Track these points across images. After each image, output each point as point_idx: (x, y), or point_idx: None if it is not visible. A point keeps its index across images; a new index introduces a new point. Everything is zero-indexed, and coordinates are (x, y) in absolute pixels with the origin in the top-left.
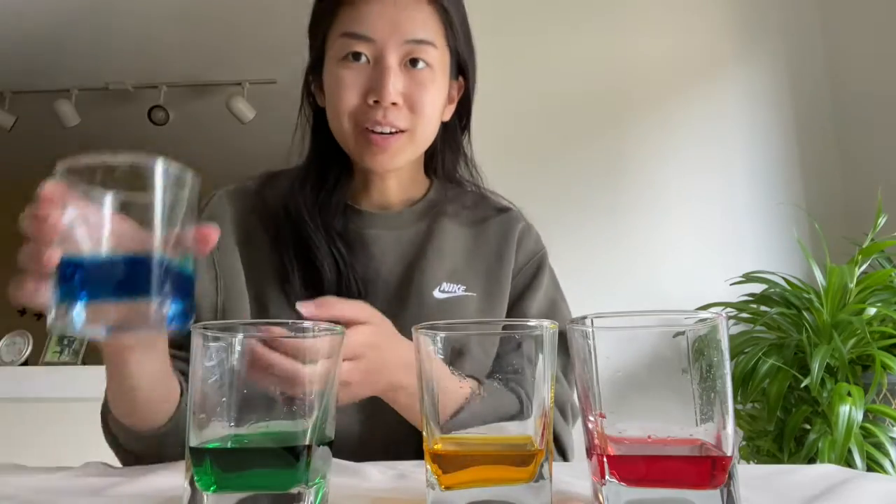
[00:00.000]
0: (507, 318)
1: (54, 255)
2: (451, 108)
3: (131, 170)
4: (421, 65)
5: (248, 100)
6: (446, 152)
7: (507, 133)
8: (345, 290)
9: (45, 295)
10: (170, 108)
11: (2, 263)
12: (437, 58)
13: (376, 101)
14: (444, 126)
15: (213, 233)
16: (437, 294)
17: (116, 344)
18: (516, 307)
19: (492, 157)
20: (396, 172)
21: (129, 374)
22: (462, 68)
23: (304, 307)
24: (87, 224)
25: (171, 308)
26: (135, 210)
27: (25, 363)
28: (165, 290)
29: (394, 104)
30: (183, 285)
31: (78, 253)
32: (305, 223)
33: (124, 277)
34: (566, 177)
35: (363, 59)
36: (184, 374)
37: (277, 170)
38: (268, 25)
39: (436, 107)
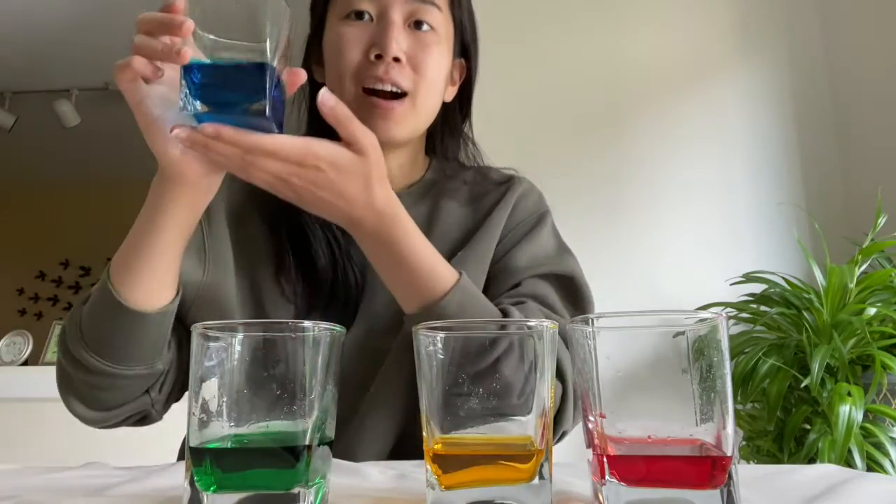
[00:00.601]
0: (493, 269)
1: (188, 53)
2: (453, 91)
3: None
4: (425, 27)
5: None
6: (446, 134)
7: (507, 132)
8: (341, 279)
9: (144, 90)
10: None
11: (3, 261)
12: (442, 22)
13: (378, 56)
14: (445, 108)
15: (303, 74)
16: None
17: (176, 179)
18: (504, 259)
19: (491, 156)
20: (396, 153)
21: (163, 225)
22: (465, 48)
23: (326, 95)
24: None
25: (273, 116)
26: (250, 34)
27: (25, 363)
28: (272, 98)
29: (396, 60)
30: (281, 106)
31: (202, 57)
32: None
33: (245, 78)
34: (566, 176)
35: (366, 17)
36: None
37: None
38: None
39: (440, 71)
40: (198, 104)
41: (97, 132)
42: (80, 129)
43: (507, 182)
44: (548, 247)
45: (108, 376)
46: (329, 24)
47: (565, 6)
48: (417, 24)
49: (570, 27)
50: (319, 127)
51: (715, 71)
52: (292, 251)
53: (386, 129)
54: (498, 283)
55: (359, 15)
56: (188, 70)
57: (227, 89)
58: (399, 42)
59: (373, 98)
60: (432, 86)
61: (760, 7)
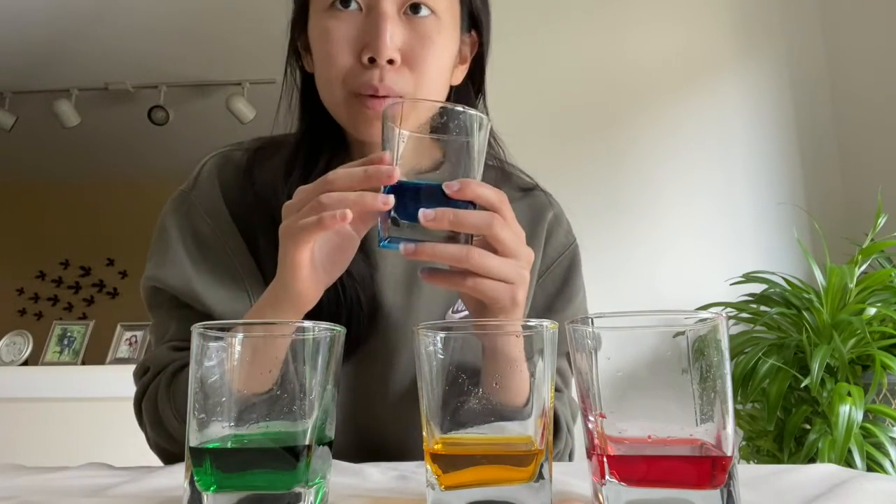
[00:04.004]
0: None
1: (391, 201)
2: (464, 69)
3: (463, 118)
4: (424, 11)
5: (248, 100)
6: None
7: (507, 131)
8: (344, 307)
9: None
10: (170, 108)
11: (3, 261)
12: (444, 4)
13: (371, 60)
14: (457, 91)
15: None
16: (448, 316)
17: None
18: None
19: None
20: None
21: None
22: (475, 20)
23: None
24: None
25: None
26: (459, 151)
27: (25, 363)
28: None
29: (391, 62)
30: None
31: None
32: None
33: (444, 200)
34: (566, 176)
35: (353, 5)
36: None
37: (269, 137)
38: (268, 25)
39: (442, 64)
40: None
41: (97, 132)
42: (80, 129)
43: (530, 193)
44: (581, 308)
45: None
46: (312, 13)
47: (565, 6)
48: (414, 8)
49: (570, 27)
50: (314, 117)
51: (715, 71)
52: None
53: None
54: None
55: (344, 2)
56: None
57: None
58: (393, 39)
59: (365, 99)
60: (435, 83)
61: (760, 7)
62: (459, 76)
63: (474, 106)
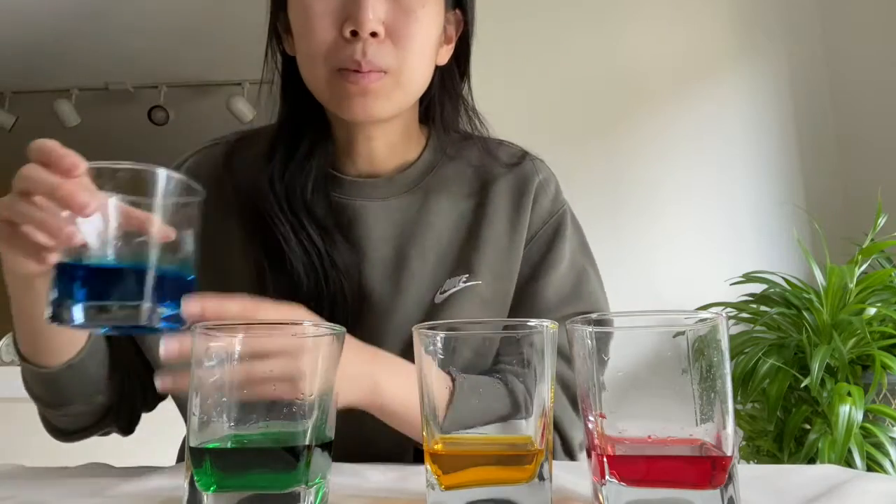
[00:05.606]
0: (519, 301)
1: (77, 234)
2: (450, 50)
3: (135, 175)
4: None
5: (248, 99)
6: (445, 103)
7: (506, 131)
8: (326, 298)
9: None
10: (170, 108)
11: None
12: None
13: (353, 33)
14: (442, 72)
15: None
16: (437, 298)
17: (25, 274)
18: (531, 288)
19: None
20: (384, 129)
21: (35, 306)
22: None
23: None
24: (96, 224)
25: (164, 311)
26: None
27: None
28: (159, 295)
29: (374, 35)
30: (178, 289)
31: (81, 255)
32: (272, 210)
33: (121, 283)
34: (566, 176)
35: None
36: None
37: (252, 129)
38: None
39: (427, 39)
40: (77, 307)
41: (97, 132)
42: (80, 129)
43: (518, 165)
44: (575, 267)
45: (61, 415)
46: None
47: (564, 8)
48: None
49: (570, 28)
50: (296, 100)
51: (715, 71)
52: (270, 265)
53: (365, 108)
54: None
55: None
56: (62, 269)
57: (107, 291)
58: (375, 11)
59: (347, 74)
60: (419, 60)
61: (760, 7)
62: (445, 56)
63: (459, 89)
